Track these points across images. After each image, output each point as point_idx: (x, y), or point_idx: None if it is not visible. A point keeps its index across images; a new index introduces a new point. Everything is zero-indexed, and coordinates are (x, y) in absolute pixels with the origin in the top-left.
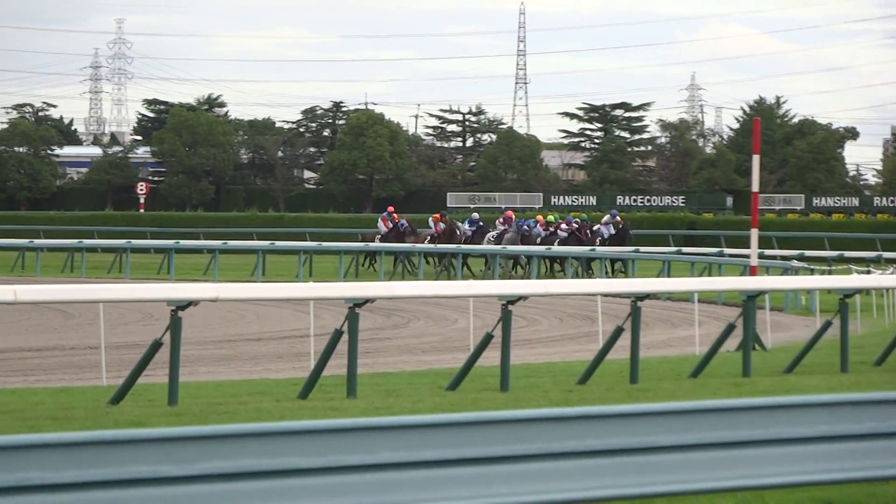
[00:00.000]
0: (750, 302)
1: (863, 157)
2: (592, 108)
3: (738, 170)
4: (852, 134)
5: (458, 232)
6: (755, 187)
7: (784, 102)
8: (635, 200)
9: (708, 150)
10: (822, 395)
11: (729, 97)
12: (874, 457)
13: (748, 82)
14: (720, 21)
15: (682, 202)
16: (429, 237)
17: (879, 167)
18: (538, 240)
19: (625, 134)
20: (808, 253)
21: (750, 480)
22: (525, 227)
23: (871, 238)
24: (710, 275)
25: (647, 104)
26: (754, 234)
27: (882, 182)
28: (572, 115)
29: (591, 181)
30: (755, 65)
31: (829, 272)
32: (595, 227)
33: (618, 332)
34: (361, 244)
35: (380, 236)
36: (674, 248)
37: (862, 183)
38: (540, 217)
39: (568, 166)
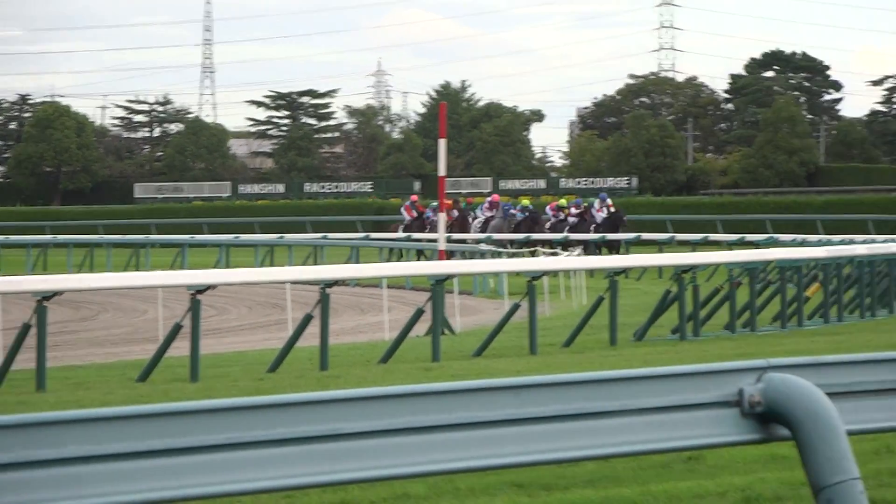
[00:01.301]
0: (438, 286)
1: (549, 140)
2: (279, 96)
3: (425, 154)
4: (538, 116)
5: (470, 220)
6: (442, 171)
7: (469, 86)
8: (323, 187)
9: (395, 135)
10: (509, 378)
11: (415, 82)
12: (561, 439)
13: (434, 67)
14: (403, 6)
15: (371, 188)
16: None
17: (566, 149)
18: (547, 225)
19: (312, 121)
20: (496, 236)
21: (441, 465)
22: (511, 211)
23: None
24: (398, 260)
25: (334, 91)
26: (442, 218)
27: (568, 164)
28: (259, 104)
29: (278, 168)
30: (440, 49)
31: (517, 255)
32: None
33: (307, 319)
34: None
35: (403, 226)
36: (362, 234)
37: (548, 165)
38: (555, 202)
39: (256, 154)
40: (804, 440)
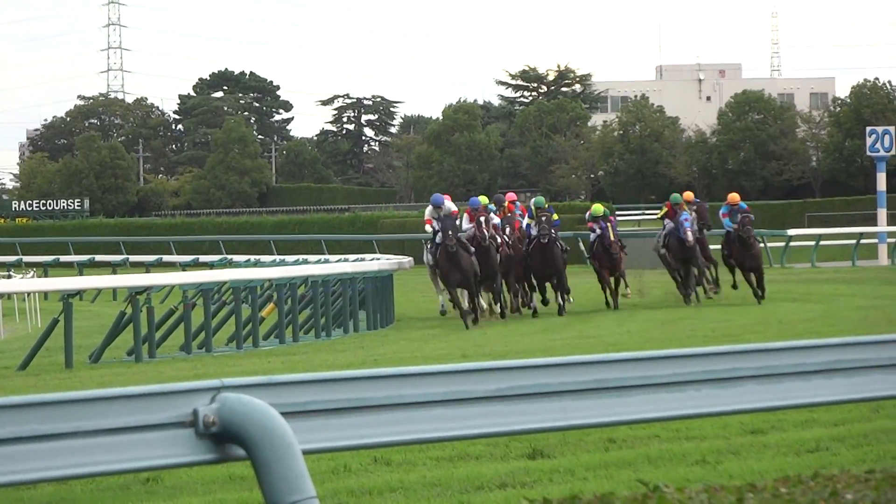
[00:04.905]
0: None
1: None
2: None
3: None
4: None
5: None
6: None
7: None
8: None
9: None
10: None
11: None
12: (14, 461)
13: None
14: None
15: None
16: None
17: (17, 171)
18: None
19: None
20: None
21: None
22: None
23: (11, 242)
24: None
25: None
26: None
27: (20, 186)
28: None
29: None
30: None
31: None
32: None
33: None
34: None
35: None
36: None
37: (1, 187)
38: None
39: None
40: (259, 460)
